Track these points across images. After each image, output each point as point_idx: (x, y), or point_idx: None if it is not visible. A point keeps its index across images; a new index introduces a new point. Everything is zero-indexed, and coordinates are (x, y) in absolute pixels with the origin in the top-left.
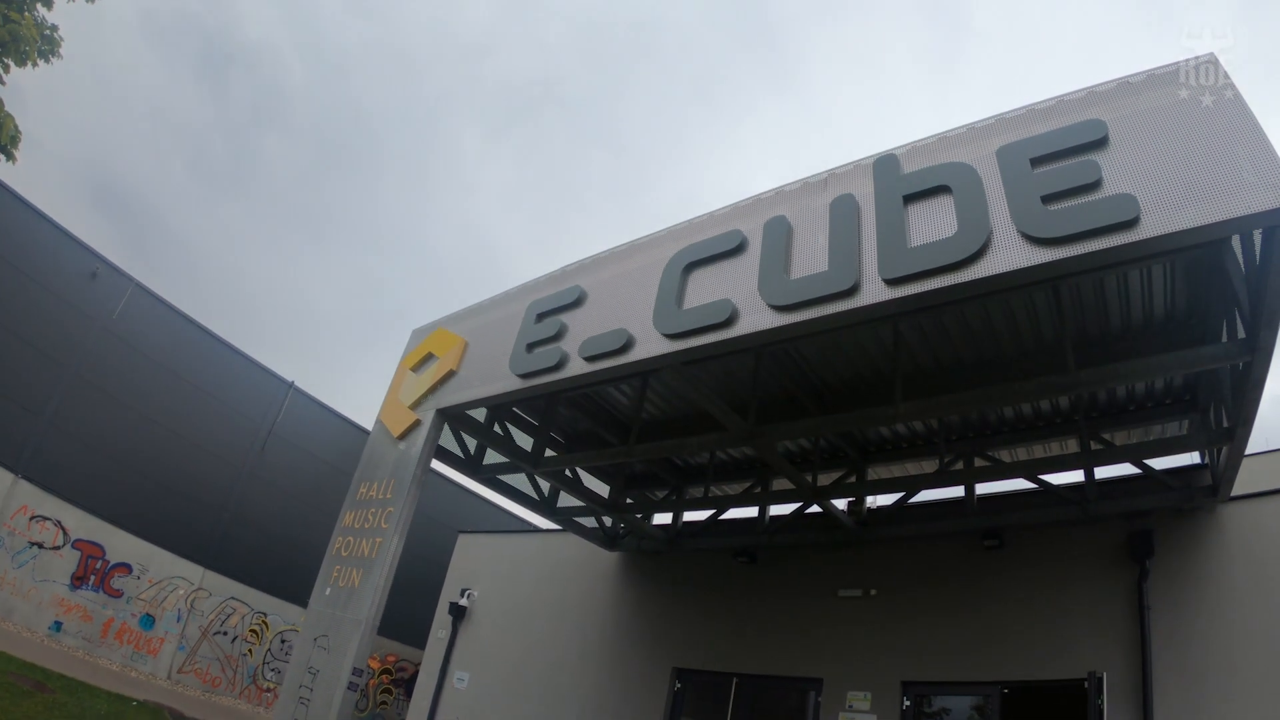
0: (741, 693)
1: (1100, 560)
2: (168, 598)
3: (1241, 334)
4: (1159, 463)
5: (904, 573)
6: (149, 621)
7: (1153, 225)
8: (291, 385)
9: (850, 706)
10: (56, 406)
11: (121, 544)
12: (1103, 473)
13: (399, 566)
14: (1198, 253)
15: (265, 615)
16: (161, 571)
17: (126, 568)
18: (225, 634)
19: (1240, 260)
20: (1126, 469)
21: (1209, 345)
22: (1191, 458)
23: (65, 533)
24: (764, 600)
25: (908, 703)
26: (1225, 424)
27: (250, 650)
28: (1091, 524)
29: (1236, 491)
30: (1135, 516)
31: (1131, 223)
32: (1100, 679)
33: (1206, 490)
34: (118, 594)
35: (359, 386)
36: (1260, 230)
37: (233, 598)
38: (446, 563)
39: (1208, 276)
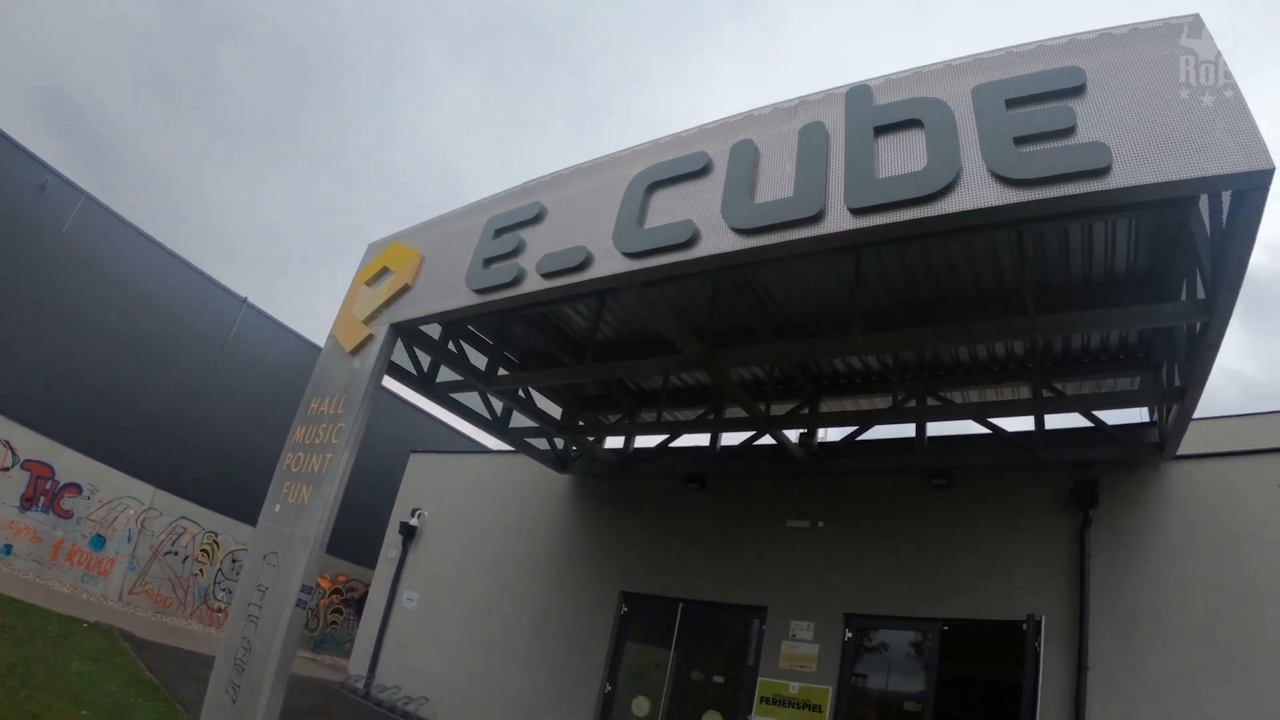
0: (687, 618)
1: (1045, 507)
2: (118, 518)
3: (1201, 295)
4: (1108, 417)
5: (852, 506)
6: (99, 542)
7: (1123, 176)
8: (245, 301)
9: (794, 635)
10: (3, 324)
11: (71, 464)
12: (1052, 422)
13: (350, 486)
14: (1164, 213)
15: (216, 535)
16: (112, 491)
17: (76, 488)
18: (176, 554)
19: (1206, 223)
20: (1076, 420)
21: (1168, 303)
22: (1141, 414)
23: (14, 454)
24: (712, 527)
25: (849, 634)
26: (1177, 383)
27: (201, 570)
28: (1038, 471)
29: (1182, 451)
30: (1082, 466)
31: (1103, 171)
32: (1039, 622)
33: (1153, 447)
34: (68, 515)
35: (317, 308)
36: (1229, 193)
37: (184, 517)
38: (398, 484)
39: (1172, 238)
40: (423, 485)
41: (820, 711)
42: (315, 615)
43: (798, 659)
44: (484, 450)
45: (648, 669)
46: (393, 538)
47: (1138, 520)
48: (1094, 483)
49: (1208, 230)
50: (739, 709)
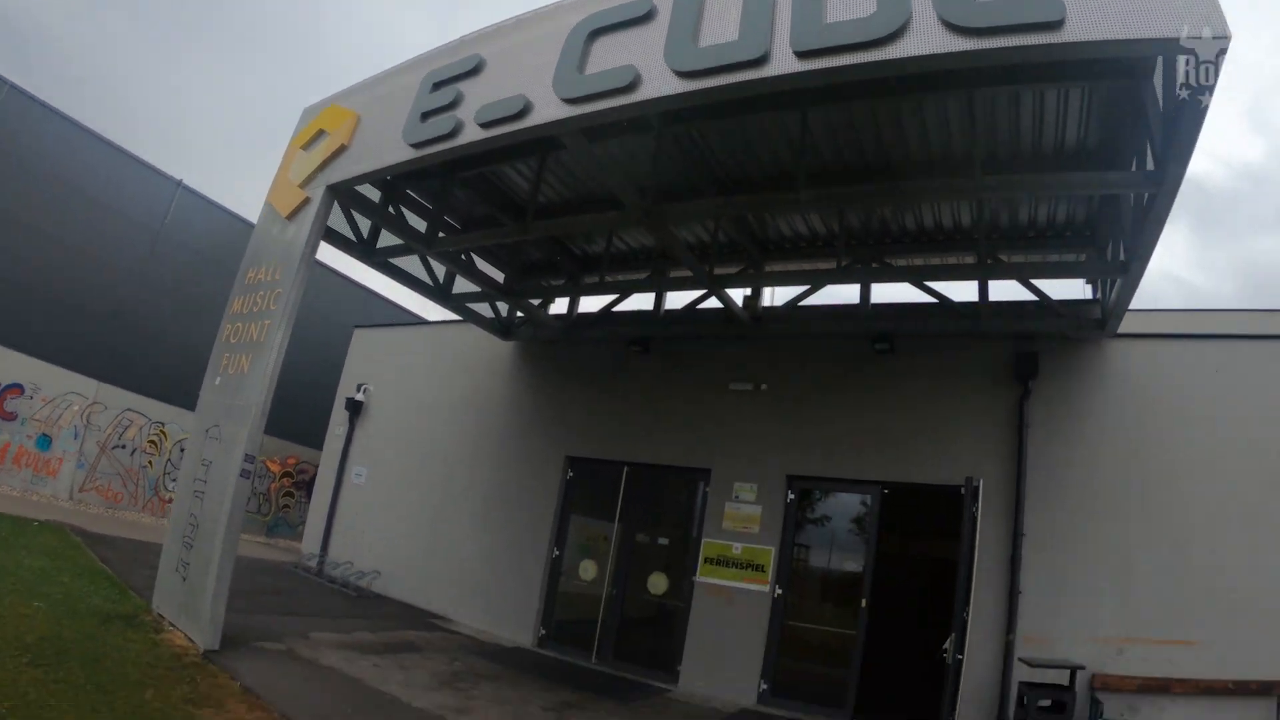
0: (632, 481)
1: (986, 376)
2: (63, 415)
3: (1151, 166)
4: (1052, 292)
5: (795, 370)
6: (45, 442)
7: (1076, 30)
8: (180, 184)
9: (737, 497)
10: None
11: (12, 364)
12: (997, 295)
13: (297, 368)
14: (1116, 85)
15: (163, 425)
16: (55, 388)
17: (19, 389)
18: (124, 447)
19: (1159, 96)
20: (1020, 293)
21: (1117, 172)
22: (1084, 292)
23: None
24: (656, 391)
25: (792, 496)
26: (1122, 257)
27: (150, 462)
28: (981, 340)
29: (1124, 330)
30: (1023, 338)
31: (1055, 24)
32: (976, 487)
33: (1095, 323)
34: (11, 417)
35: (256, 192)
36: (1184, 64)
37: (129, 409)
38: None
39: (1123, 113)
40: (367, 360)
41: (763, 572)
42: (267, 500)
43: (741, 520)
44: (428, 323)
45: (594, 534)
46: (339, 415)
47: (1077, 394)
48: (1035, 355)
49: (1160, 104)
50: (684, 570)
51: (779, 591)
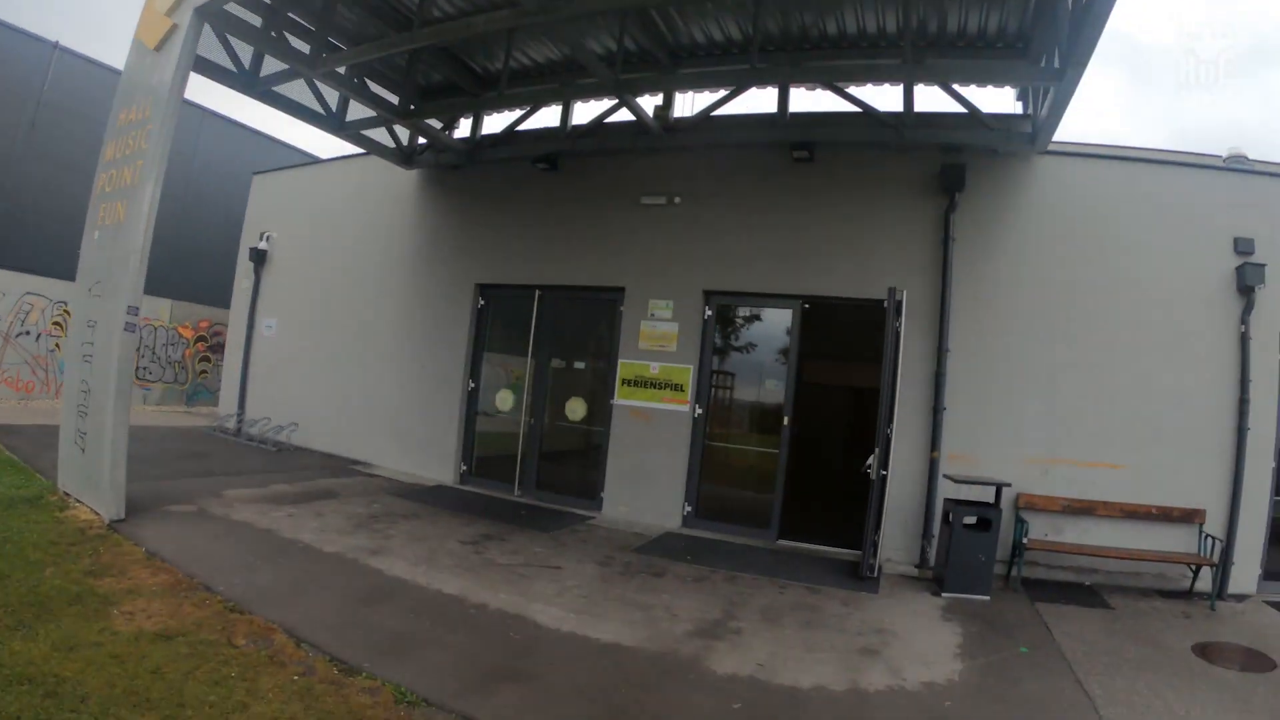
0: (545, 306)
1: (911, 187)
2: None
3: None
4: (982, 105)
5: (710, 181)
6: None
7: None
8: (56, 46)
9: (652, 315)
10: None
11: None
12: (923, 106)
13: (201, 226)
14: None
15: (66, 304)
16: None
17: None
18: (29, 334)
19: None
20: (948, 105)
21: None
22: (1016, 107)
23: None
24: (566, 210)
25: (709, 312)
26: (1057, 64)
27: (58, 345)
28: (906, 153)
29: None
30: (950, 150)
31: None
32: (900, 301)
33: (1025, 137)
34: None
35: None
36: None
37: (29, 293)
38: None
39: None
40: (269, 207)
41: (682, 391)
42: (183, 368)
43: (657, 339)
44: (328, 160)
45: (509, 363)
46: (244, 266)
47: (1004, 209)
48: (962, 167)
49: None
50: (602, 395)
51: (699, 411)
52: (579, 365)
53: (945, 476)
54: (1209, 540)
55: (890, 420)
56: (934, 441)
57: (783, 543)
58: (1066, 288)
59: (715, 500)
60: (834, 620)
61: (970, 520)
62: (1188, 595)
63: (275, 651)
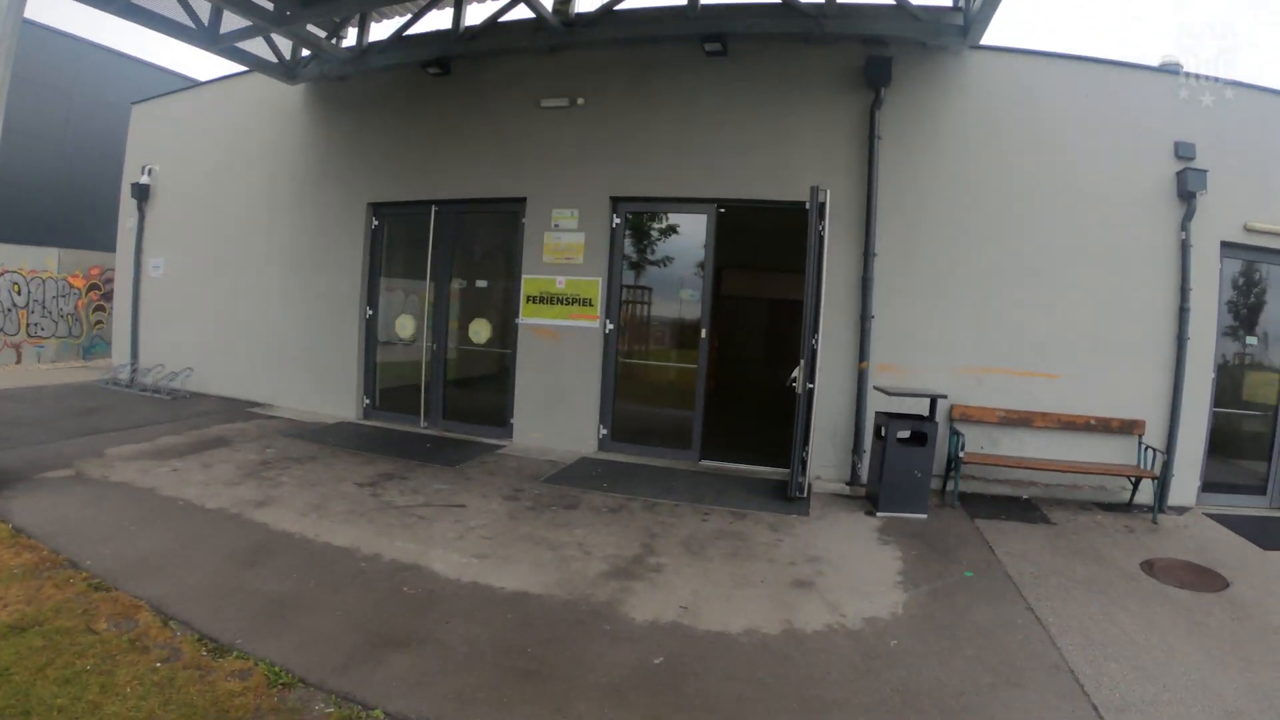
0: (442, 221)
1: (834, 82)
2: None
3: None
4: None
5: (616, 80)
6: None
7: None
8: None
9: (556, 226)
10: None
11: None
12: None
13: (83, 168)
14: None
15: None
16: None
17: None
18: None
19: None
20: None
21: None
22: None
23: None
24: (461, 118)
25: (617, 220)
26: None
27: None
28: (828, 44)
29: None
30: (875, 43)
31: None
32: (823, 202)
33: (956, 30)
34: None
35: None
36: None
37: None
38: None
39: None
40: (150, 138)
41: (591, 306)
42: (77, 320)
43: (563, 251)
44: (208, 83)
45: (408, 286)
46: (127, 205)
47: (934, 106)
48: (888, 60)
49: None
50: (507, 314)
51: (610, 326)
52: (481, 284)
53: (876, 389)
54: (1149, 452)
55: (815, 330)
56: (862, 352)
57: (705, 463)
58: (1000, 191)
59: (633, 421)
60: (763, 549)
61: (904, 435)
62: (1128, 508)
63: (139, 634)
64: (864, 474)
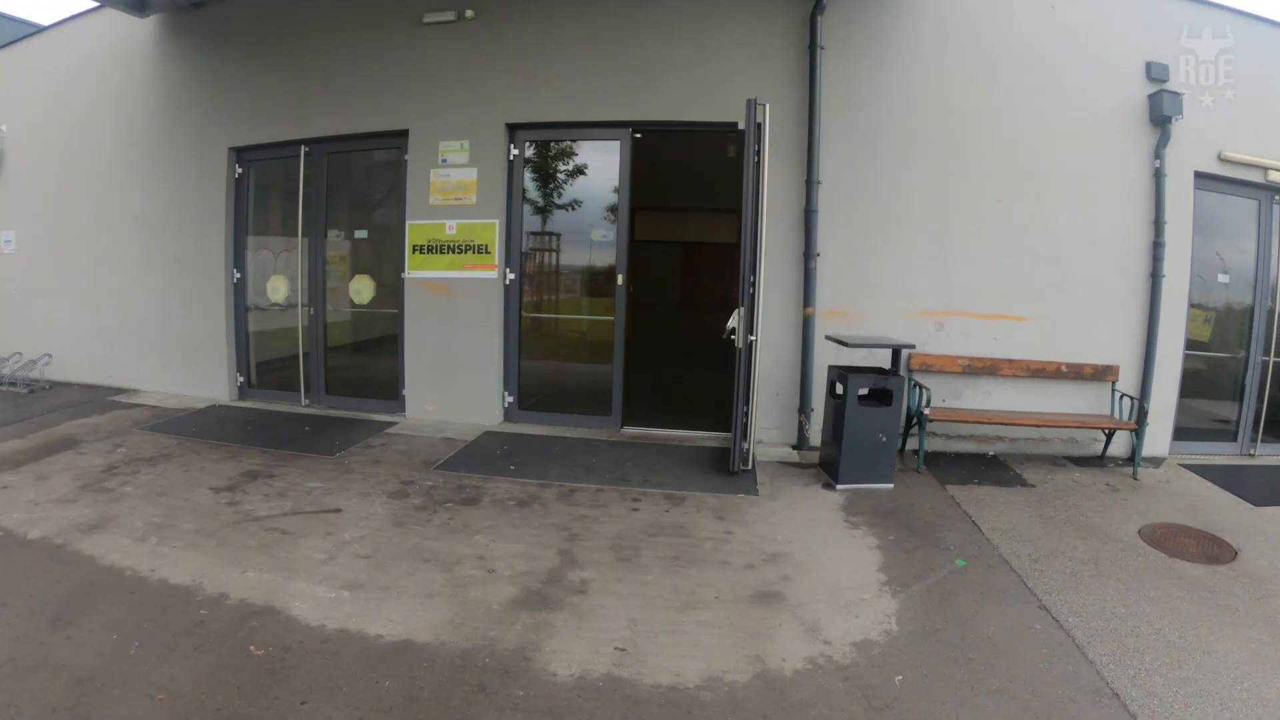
0: (314, 165)
1: None
2: None
3: None
4: None
5: None
6: None
7: None
8: None
9: (444, 161)
10: None
11: None
12: None
13: None
14: None
15: None
16: None
17: None
18: None
19: None
20: None
21: None
22: None
23: None
24: (332, 40)
25: (515, 151)
26: None
27: None
28: None
29: None
30: None
31: None
32: (760, 123)
33: None
34: None
35: None
36: None
37: None
38: None
39: None
40: None
41: (487, 254)
42: None
43: (452, 190)
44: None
45: (280, 244)
46: None
47: (884, 15)
48: None
49: None
50: (392, 268)
51: (511, 276)
52: (360, 234)
53: (828, 339)
54: (1124, 400)
55: (754, 271)
56: (806, 296)
57: (629, 430)
58: (958, 110)
59: (543, 385)
60: (711, 547)
61: (864, 392)
62: (1101, 461)
63: None
64: (812, 436)
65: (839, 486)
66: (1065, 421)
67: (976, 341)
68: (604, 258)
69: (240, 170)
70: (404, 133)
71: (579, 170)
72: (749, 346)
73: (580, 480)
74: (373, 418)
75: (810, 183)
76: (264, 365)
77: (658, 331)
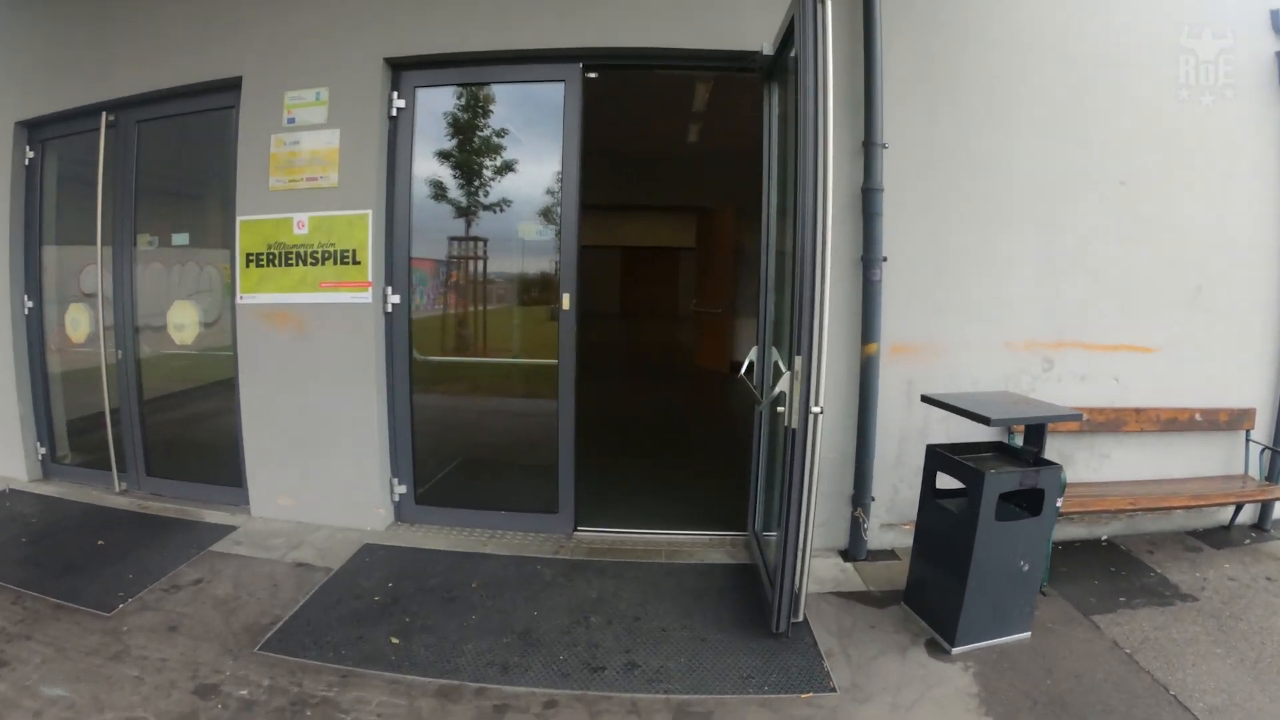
0: (119, 139)
1: None
2: None
3: None
4: None
5: None
6: None
7: None
8: None
9: (291, 121)
10: None
11: None
12: None
13: None
14: None
15: None
16: None
17: None
18: None
19: None
20: None
21: None
22: None
23: None
24: None
25: (401, 102)
26: None
27: None
28: None
29: None
30: None
31: None
32: (822, 28)
33: None
34: None
35: None
36: None
37: None
38: None
39: None
40: None
41: (357, 264)
42: None
43: (303, 166)
44: None
45: (80, 257)
46: None
47: None
48: None
49: None
50: (222, 286)
51: (395, 299)
52: (180, 241)
53: (927, 400)
54: (1265, 454)
55: (813, 288)
56: (867, 325)
57: (586, 535)
58: (1069, 62)
59: (450, 464)
60: None
61: (1008, 488)
62: (1227, 531)
63: None
64: (872, 536)
65: (955, 649)
66: (1221, 497)
67: (1095, 384)
68: (540, 266)
69: (33, 154)
70: (236, 82)
71: (500, 135)
72: (808, 423)
73: (514, 672)
74: (203, 517)
75: (871, 145)
76: (76, 427)
77: (602, 350)
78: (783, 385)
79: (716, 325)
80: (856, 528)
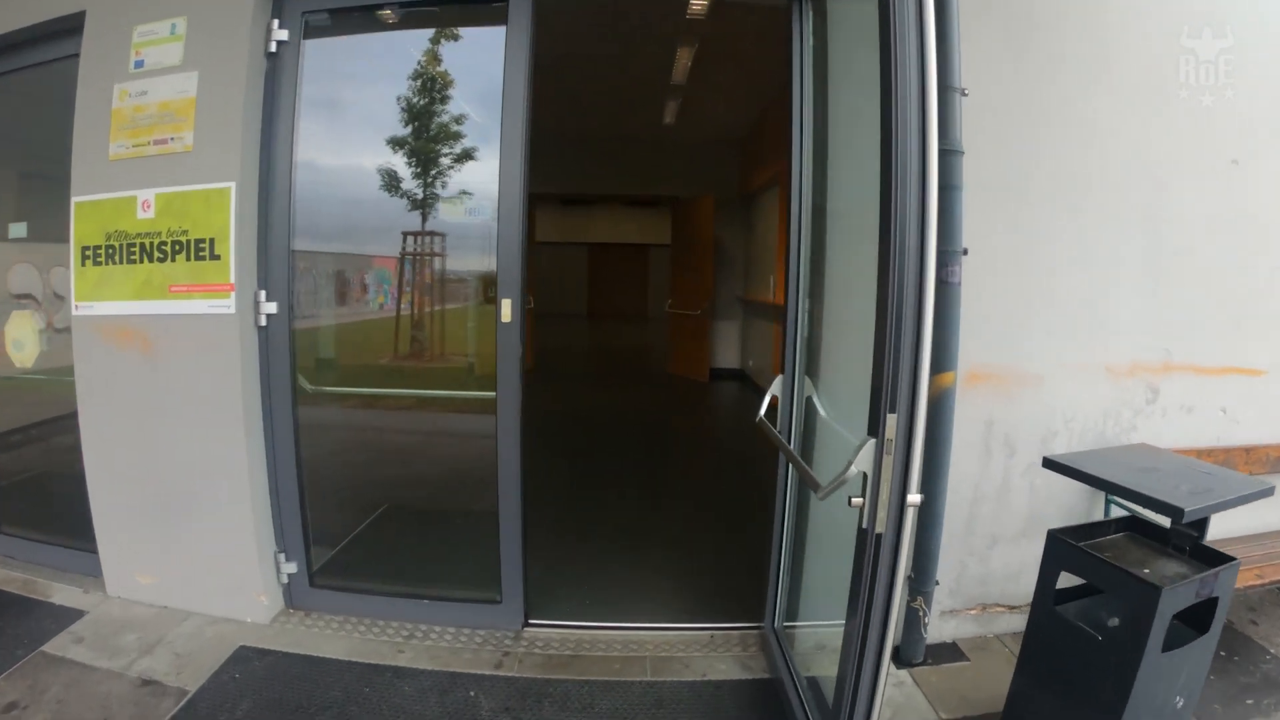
0: None
1: None
2: None
3: None
4: None
5: None
6: None
7: None
8: None
9: (139, 64)
10: None
11: None
12: None
13: None
14: None
15: None
16: None
17: None
18: None
19: None
20: None
21: None
22: None
23: None
24: None
25: (284, 34)
26: None
27: None
28: None
29: None
30: None
31: None
32: None
33: None
34: None
35: None
36: None
37: None
38: None
39: None
40: None
41: (217, 259)
42: None
43: (149, 124)
44: None
45: None
46: None
47: None
48: None
49: None
50: (69, 291)
51: (271, 307)
52: (16, 235)
53: (1050, 465)
54: None
55: (918, 303)
56: (940, 344)
57: (538, 633)
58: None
59: (356, 529)
60: None
61: (1184, 604)
62: None
63: None
64: (928, 629)
65: None
66: None
67: (1201, 416)
68: (472, 264)
69: None
70: (77, 17)
71: (419, 78)
72: (904, 521)
73: None
74: (50, 595)
75: (947, 89)
76: None
77: (566, 356)
78: (862, 464)
79: (694, 328)
80: (914, 621)
